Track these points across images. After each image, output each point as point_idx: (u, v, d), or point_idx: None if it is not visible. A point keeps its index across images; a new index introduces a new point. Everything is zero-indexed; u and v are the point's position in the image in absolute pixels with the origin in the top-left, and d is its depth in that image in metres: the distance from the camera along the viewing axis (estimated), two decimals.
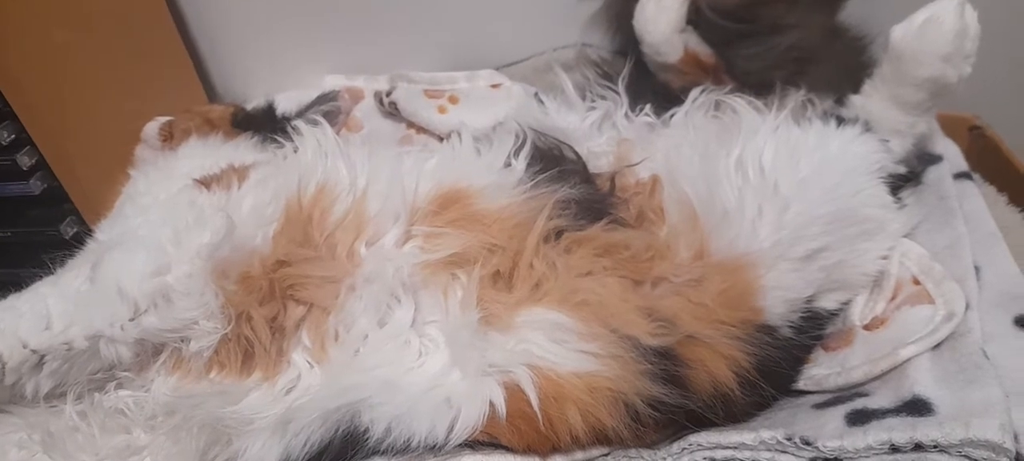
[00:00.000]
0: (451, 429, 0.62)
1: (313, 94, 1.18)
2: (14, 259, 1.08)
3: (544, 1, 1.21)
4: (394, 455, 0.62)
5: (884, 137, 0.83)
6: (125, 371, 0.65)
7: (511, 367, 0.64)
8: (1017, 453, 0.54)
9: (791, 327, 0.73)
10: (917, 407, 0.61)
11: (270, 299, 0.67)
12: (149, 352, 0.65)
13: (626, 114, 0.94)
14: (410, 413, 0.62)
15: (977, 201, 0.83)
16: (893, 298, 0.76)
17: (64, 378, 0.64)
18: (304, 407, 0.63)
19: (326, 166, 0.75)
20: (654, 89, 1.00)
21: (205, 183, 0.77)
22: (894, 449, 0.57)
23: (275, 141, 0.94)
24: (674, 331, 0.67)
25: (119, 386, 0.66)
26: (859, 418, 0.62)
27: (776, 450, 0.61)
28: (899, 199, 0.82)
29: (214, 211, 0.69)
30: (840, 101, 0.89)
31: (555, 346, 0.65)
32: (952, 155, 0.91)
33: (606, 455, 0.66)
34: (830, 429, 0.61)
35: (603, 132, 0.94)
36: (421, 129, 1.19)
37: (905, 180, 0.85)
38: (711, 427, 0.66)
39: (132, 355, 0.64)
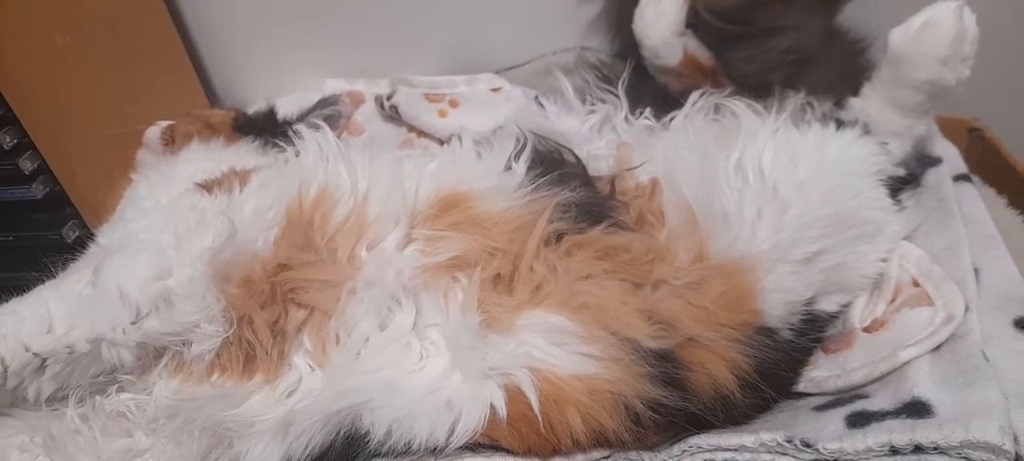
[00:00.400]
0: (452, 432, 0.62)
1: (314, 98, 1.19)
2: (16, 263, 1.08)
3: (544, 5, 1.21)
4: (395, 457, 0.62)
5: (883, 139, 0.83)
6: (127, 374, 0.65)
7: (512, 370, 0.64)
8: (1017, 455, 0.54)
9: (791, 329, 0.74)
10: (917, 409, 0.61)
11: (271, 302, 0.67)
12: (151, 355, 0.65)
13: (626, 117, 0.95)
14: (411, 416, 0.62)
15: (976, 203, 0.83)
16: (893, 300, 0.76)
17: (66, 381, 0.64)
18: (305, 410, 0.63)
19: (327, 170, 0.75)
20: (654, 92, 1.00)
21: (207, 187, 0.78)
22: (894, 451, 0.57)
23: (276, 145, 0.95)
24: (674, 334, 0.67)
25: (121, 389, 0.66)
26: (859, 420, 0.62)
27: (776, 452, 0.61)
28: (898, 201, 0.83)
29: (216, 215, 0.69)
30: (839, 104, 0.89)
31: (555, 349, 0.65)
32: (951, 157, 0.91)
33: (606, 457, 0.66)
34: (830, 431, 0.62)
35: (603, 135, 0.95)
36: (422, 133, 1.19)
37: (904, 182, 0.86)
38: (711, 429, 0.67)
39: (134, 358, 0.64)
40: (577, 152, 0.87)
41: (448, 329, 0.67)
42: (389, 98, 1.22)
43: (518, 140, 0.83)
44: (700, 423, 0.67)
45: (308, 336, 0.67)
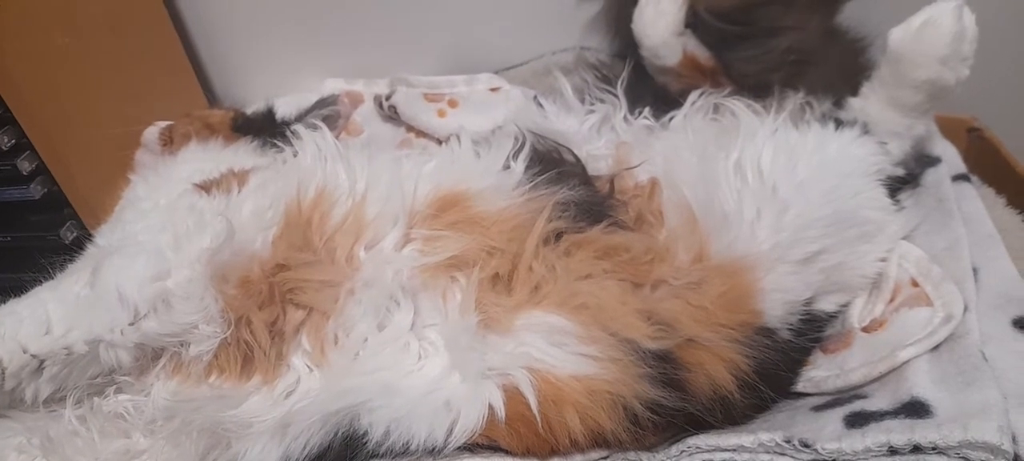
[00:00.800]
0: (450, 432, 0.62)
1: (313, 98, 1.19)
2: (14, 264, 1.08)
3: (543, 5, 1.21)
4: (393, 458, 0.62)
5: (882, 139, 0.83)
6: (125, 375, 0.65)
7: (510, 370, 0.64)
8: (1015, 455, 0.54)
9: (790, 329, 0.74)
10: (915, 409, 0.61)
11: (270, 303, 0.67)
12: (149, 356, 0.65)
13: (625, 117, 0.95)
14: (409, 416, 0.62)
15: (975, 203, 0.83)
16: (892, 300, 0.76)
17: (64, 383, 0.64)
18: (303, 410, 0.63)
19: (325, 170, 0.75)
20: (653, 92, 1.00)
21: (205, 187, 0.78)
22: (892, 451, 0.57)
23: (275, 145, 0.95)
24: (673, 334, 0.67)
25: (118, 390, 0.66)
26: (858, 420, 0.62)
27: (775, 452, 0.61)
28: (897, 201, 0.83)
29: (214, 216, 0.69)
30: (838, 103, 0.89)
31: (554, 349, 0.65)
32: (950, 157, 0.91)
33: (605, 458, 0.66)
34: (829, 431, 0.62)
35: (602, 135, 0.94)
36: (420, 133, 1.19)
37: (903, 182, 0.85)
38: (710, 430, 0.66)
39: (132, 360, 0.64)
40: (576, 152, 0.87)
41: (446, 329, 0.67)
42: (388, 98, 1.22)
43: (517, 139, 0.83)
44: (699, 423, 0.67)
45: (306, 337, 0.67)
